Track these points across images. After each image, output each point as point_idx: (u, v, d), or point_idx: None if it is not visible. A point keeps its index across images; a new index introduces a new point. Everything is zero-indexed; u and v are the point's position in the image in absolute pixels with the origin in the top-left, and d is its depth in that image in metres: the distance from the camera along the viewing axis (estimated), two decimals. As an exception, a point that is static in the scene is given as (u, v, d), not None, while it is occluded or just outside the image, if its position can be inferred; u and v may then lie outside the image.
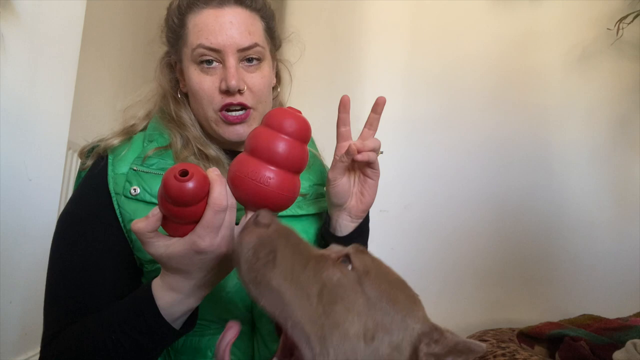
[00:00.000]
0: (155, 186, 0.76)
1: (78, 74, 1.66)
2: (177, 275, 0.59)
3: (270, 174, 0.57)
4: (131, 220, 0.73)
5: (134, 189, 0.75)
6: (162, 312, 0.61)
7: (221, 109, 0.80)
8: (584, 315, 1.46)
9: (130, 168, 0.78)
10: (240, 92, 0.79)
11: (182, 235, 0.56)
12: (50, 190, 1.60)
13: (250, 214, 0.58)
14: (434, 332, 0.51)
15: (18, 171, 1.47)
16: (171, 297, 0.60)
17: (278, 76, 0.94)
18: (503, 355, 1.22)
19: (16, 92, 1.44)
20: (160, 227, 0.57)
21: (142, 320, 0.62)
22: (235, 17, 0.78)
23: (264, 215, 0.52)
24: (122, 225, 0.75)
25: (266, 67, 0.84)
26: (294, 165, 0.59)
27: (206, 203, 0.54)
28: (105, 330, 0.64)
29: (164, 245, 0.56)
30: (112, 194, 0.76)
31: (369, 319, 0.49)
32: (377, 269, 0.54)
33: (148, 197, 0.75)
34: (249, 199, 0.58)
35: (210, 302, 0.74)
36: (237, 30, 0.77)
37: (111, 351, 0.62)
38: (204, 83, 0.79)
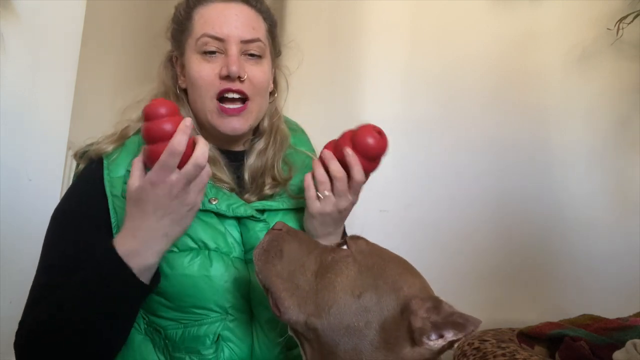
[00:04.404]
0: None
1: (78, 74, 1.66)
2: (135, 213, 0.66)
3: None
4: None
5: None
6: (124, 259, 0.66)
7: (219, 96, 0.82)
8: (584, 315, 1.46)
9: (127, 170, 0.79)
10: (240, 79, 0.81)
11: None
12: (50, 190, 1.60)
13: None
14: (430, 300, 0.57)
15: (18, 171, 1.47)
16: (130, 244, 0.66)
17: (275, 82, 0.95)
18: (503, 355, 1.22)
19: (16, 92, 1.44)
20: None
21: (105, 268, 0.67)
22: (240, 12, 0.83)
23: (277, 223, 0.68)
24: (113, 225, 0.77)
25: (266, 65, 0.86)
26: None
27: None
28: (76, 288, 0.69)
29: (139, 177, 0.66)
30: (109, 195, 0.78)
31: (358, 281, 0.59)
32: (371, 249, 0.64)
33: None
34: None
35: (209, 290, 0.75)
36: (241, 23, 0.82)
37: (83, 308, 0.67)
38: (204, 70, 0.82)
